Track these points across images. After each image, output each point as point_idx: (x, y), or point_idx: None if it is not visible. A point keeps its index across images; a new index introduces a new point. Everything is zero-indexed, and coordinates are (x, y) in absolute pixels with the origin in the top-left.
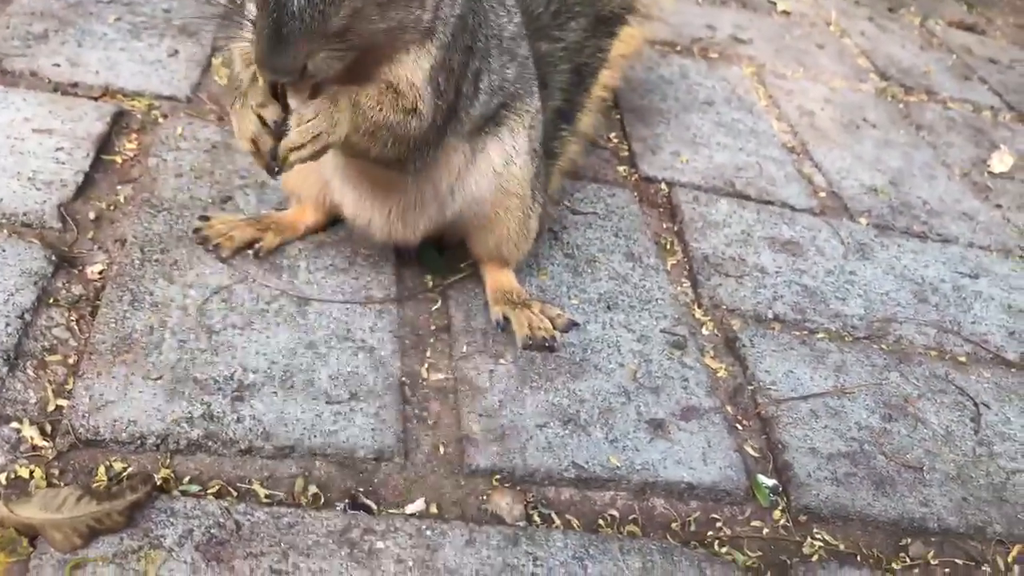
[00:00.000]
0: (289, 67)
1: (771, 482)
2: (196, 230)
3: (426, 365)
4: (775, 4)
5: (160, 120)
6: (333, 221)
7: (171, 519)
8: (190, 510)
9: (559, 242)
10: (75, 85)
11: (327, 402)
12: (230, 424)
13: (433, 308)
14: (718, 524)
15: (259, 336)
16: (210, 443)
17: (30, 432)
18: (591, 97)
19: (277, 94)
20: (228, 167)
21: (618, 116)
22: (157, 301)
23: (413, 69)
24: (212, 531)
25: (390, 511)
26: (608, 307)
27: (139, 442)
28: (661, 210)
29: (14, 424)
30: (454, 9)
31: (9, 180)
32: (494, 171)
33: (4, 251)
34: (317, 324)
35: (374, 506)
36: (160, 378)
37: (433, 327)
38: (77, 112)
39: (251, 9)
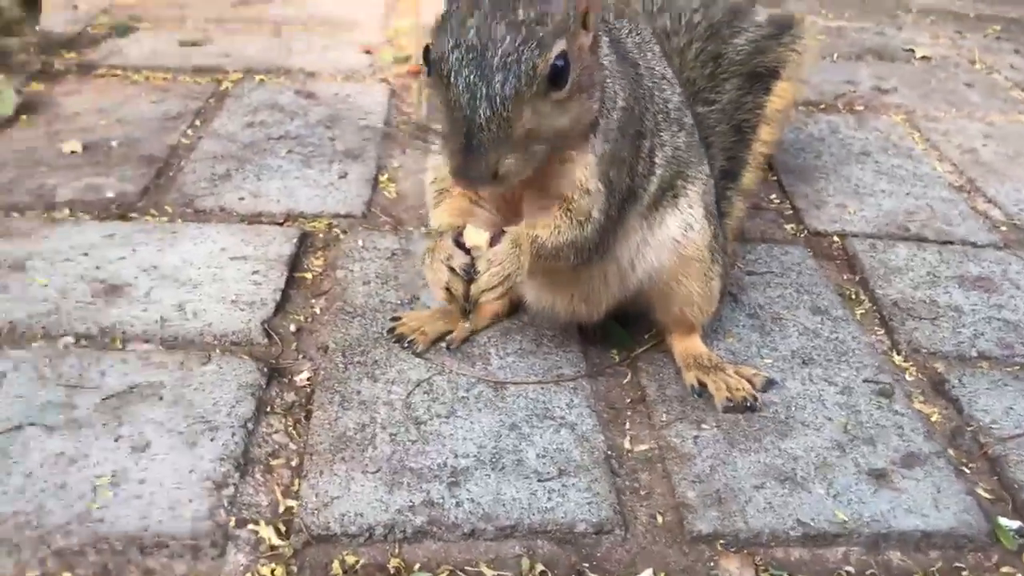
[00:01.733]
0: (483, 174)
1: (1015, 524)
2: (390, 330)
3: (628, 437)
4: (913, 51)
5: (341, 236)
6: (515, 307)
7: None
8: None
9: (740, 304)
10: (260, 215)
11: (539, 480)
12: (450, 509)
13: (624, 381)
14: (964, 573)
15: (464, 423)
16: (434, 529)
17: (267, 532)
18: (753, 154)
19: (460, 245)
20: (410, 271)
21: (775, 178)
22: (364, 400)
23: (584, 167)
24: None
25: None
26: (804, 362)
27: (367, 534)
28: (838, 262)
29: (251, 526)
30: (617, 101)
31: (216, 304)
32: (673, 240)
33: (221, 368)
34: (516, 406)
35: None
36: (378, 471)
37: (628, 399)
38: (266, 238)
39: (439, 128)
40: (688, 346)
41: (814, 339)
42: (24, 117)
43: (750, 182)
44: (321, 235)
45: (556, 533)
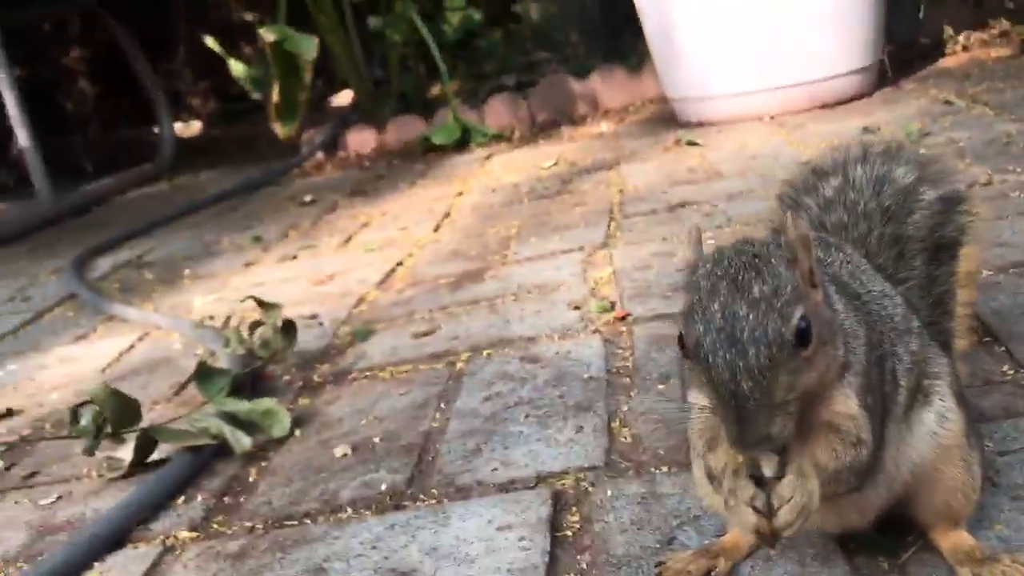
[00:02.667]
0: (759, 439)
1: None
2: None
3: None
4: None
5: (589, 489)
6: None
7: None
8: None
9: (998, 488)
10: (513, 481)
11: None
12: None
13: None
14: None
15: None
16: None
17: None
18: (958, 320)
19: (755, 479)
20: (661, 511)
21: (1002, 348)
22: None
23: (845, 403)
24: None
25: None
26: None
27: None
28: None
29: None
30: (859, 338)
31: (493, 575)
32: (931, 434)
33: None
34: None
35: None
36: None
37: None
38: (523, 504)
39: (699, 400)
40: (956, 541)
41: None
42: (298, 432)
43: (963, 347)
44: (571, 491)
45: None
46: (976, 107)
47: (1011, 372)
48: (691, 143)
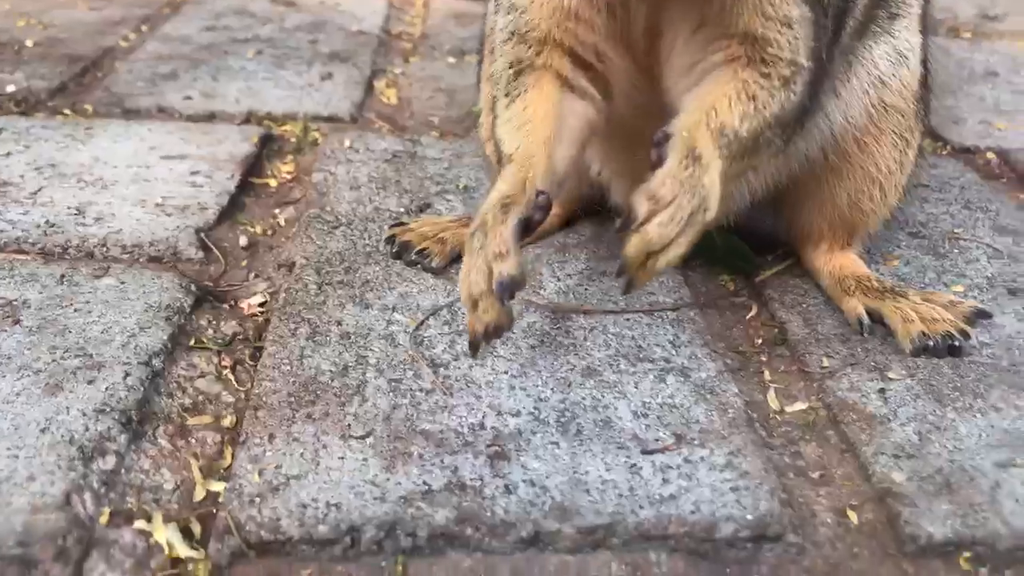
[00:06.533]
0: None
1: None
2: (390, 239)
3: (772, 391)
4: None
5: (319, 139)
6: (568, 219)
7: None
8: None
9: (894, 220)
10: (212, 116)
11: (643, 451)
12: (495, 497)
13: (748, 315)
14: None
15: (510, 365)
16: (467, 531)
17: (166, 535)
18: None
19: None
20: (418, 174)
21: None
22: (348, 331)
23: None
24: None
25: None
26: (1010, 292)
27: (349, 538)
28: (1004, 180)
29: (140, 523)
30: None
31: (131, 208)
32: (878, 80)
33: (122, 284)
34: (591, 343)
35: None
36: (369, 435)
37: (759, 340)
38: (215, 137)
39: None
40: (842, 264)
41: (1013, 264)
42: None
43: None
44: (293, 139)
45: (686, 538)
46: None
47: None
48: None
